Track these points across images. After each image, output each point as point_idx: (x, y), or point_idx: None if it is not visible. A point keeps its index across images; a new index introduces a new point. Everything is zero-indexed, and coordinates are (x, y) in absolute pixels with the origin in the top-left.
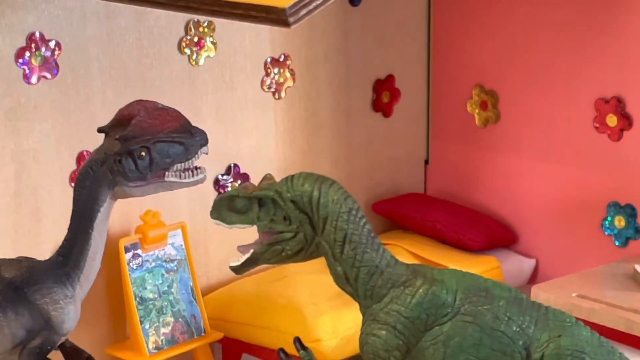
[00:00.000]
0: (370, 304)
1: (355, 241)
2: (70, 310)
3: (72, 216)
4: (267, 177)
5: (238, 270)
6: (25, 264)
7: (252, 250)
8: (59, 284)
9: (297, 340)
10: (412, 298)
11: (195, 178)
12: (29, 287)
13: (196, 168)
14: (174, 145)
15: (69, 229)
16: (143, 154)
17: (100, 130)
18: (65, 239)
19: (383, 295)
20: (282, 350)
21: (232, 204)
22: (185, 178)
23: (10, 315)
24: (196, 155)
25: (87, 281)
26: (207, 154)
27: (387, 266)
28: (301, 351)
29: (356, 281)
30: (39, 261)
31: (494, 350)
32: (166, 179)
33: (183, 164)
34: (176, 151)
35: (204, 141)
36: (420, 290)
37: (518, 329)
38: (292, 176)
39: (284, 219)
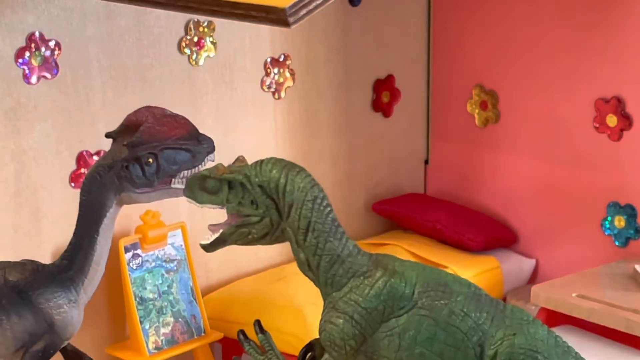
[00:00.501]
0: (330, 292)
1: (318, 230)
2: (74, 315)
3: (77, 221)
4: (240, 160)
5: (208, 248)
6: (29, 267)
7: (221, 231)
8: (63, 288)
9: (257, 324)
10: (371, 289)
11: None
12: (32, 290)
13: None
14: (181, 152)
15: (74, 234)
16: (150, 160)
17: (108, 135)
18: (70, 243)
19: (343, 284)
20: (241, 332)
21: (203, 184)
22: None
23: (14, 319)
24: (203, 162)
25: (91, 286)
26: (213, 161)
27: (348, 256)
28: (259, 335)
29: (318, 269)
30: (44, 265)
31: (448, 345)
32: (172, 185)
33: (190, 171)
34: (183, 158)
35: (211, 148)
36: (379, 282)
37: (473, 325)
38: (262, 161)
39: (251, 203)
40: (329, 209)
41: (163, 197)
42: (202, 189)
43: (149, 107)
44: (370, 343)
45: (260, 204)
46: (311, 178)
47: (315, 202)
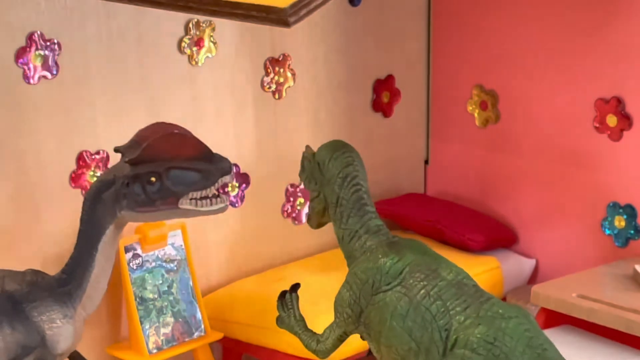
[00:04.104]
0: (350, 264)
1: (344, 205)
2: (67, 330)
3: (78, 235)
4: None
5: (308, 223)
6: (28, 278)
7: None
8: (59, 302)
9: (295, 285)
10: (368, 263)
11: (214, 207)
12: (27, 302)
13: (216, 196)
14: (189, 173)
15: (75, 248)
16: (153, 179)
17: (116, 150)
18: (71, 257)
19: (357, 259)
20: (285, 292)
21: (303, 161)
22: (202, 206)
23: (6, 330)
24: (216, 184)
25: (90, 302)
26: (230, 183)
27: (366, 232)
28: (288, 294)
29: (342, 241)
30: (44, 276)
31: (416, 324)
32: (180, 206)
33: (200, 192)
34: (192, 179)
35: (227, 170)
36: (374, 258)
37: (443, 309)
38: (328, 142)
39: (312, 180)
40: (356, 187)
41: (170, 218)
42: (302, 165)
43: (162, 123)
44: (366, 314)
45: (317, 180)
46: (351, 159)
47: (346, 179)
